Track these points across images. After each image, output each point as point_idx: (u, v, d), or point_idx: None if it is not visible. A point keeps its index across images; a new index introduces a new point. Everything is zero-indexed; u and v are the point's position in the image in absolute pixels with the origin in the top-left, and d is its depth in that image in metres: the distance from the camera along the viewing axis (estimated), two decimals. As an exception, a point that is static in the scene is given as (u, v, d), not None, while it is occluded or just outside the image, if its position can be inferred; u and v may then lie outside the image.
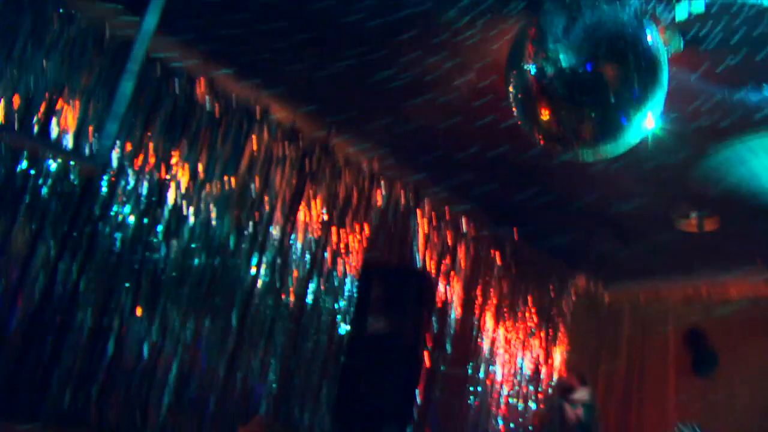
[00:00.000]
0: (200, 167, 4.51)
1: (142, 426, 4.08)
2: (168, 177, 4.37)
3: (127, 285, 4.13)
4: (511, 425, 6.11)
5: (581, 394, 4.15)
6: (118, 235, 4.14)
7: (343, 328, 5.02)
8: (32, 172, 3.86)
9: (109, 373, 4.00)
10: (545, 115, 2.76)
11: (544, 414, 4.28)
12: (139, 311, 4.15)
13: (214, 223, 4.53)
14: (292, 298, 4.81)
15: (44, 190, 3.88)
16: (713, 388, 5.93)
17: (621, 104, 2.66)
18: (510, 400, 6.18)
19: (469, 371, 5.89)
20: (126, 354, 4.07)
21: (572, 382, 4.27)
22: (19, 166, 3.81)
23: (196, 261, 4.43)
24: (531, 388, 6.37)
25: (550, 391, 6.35)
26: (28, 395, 3.73)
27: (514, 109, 2.90)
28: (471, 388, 5.90)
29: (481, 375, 5.98)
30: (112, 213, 4.12)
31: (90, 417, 3.91)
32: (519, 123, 2.95)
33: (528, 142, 3.15)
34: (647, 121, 2.76)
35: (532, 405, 6.31)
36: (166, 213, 4.34)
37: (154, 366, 4.16)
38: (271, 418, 3.50)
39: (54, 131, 3.95)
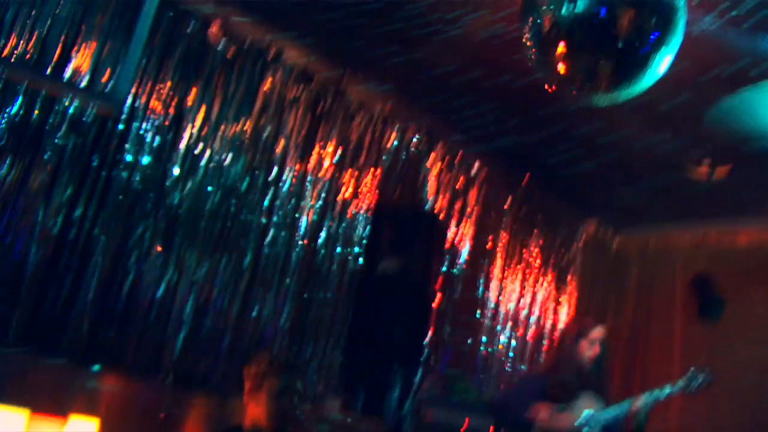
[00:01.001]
0: (214, 109, 4.53)
1: (158, 363, 4.17)
2: (182, 119, 4.40)
3: (142, 225, 4.19)
4: (521, 366, 6.21)
5: (598, 332, 4.19)
6: (133, 176, 4.18)
7: (355, 269, 5.09)
8: (49, 112, 3.89)
9: (125, 311, 4.08)
10: (559, 59, 2.76)
11: (558, 352, 4.30)
12: (154, 251, 4.21)
13: (227, 164, 4.56)
14: (304, 238, 4.87)
15: (61, 131, 3.92)
16: (718, 334, 5.98)
17: (636, 49, 2.66)
18: (518, 342, 6.27)
19: (478, 313, 5.98)
20: (142, 293, 4.15)
21: (589, 321, 4.29)
22: (36, 107, 3.84)
23: (210, 202, 4.47)
24: (538, 330, 6.46)
25: (560, 329, 6.43)
26: (47, 332, 3.82)
27: (528, 52, 2.89)
28: (480, 329, 5.99)
29: (490, 316, 6.06)
30: (127, 154, 4.16)
31: (107, 354, 4.00)
32: (532, 63, 2.94)
33: (542, 85, 3.15)
34: (662, 66, 2.76)
35: (540, 346, 6.41)
36: (180, 154, 4.37)
37: (169, 305, 4.24)
38: (275, 354, 3.59)
39: (69, 72, 3.97)
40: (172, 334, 4.23)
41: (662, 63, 2.75)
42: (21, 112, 3.78)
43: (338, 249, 5.04)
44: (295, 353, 4.73)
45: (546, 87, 3.01)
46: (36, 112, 3.84)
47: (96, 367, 3.91)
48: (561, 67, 2.74)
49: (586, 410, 4.03)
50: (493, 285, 6.09)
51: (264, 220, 4.70)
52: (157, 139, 4.29)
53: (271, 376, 3.12)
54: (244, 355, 4.40)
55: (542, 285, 6.51)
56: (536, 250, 6.48)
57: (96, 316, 3.96)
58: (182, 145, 4.38)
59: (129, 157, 4.16)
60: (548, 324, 6.54)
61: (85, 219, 3.99)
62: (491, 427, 5.18)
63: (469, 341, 5.87)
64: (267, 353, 3.46)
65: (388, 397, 5.14)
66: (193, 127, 4.43)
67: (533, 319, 6.41)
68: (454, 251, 5.77)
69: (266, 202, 4.72)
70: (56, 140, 3.89)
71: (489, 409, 4.68)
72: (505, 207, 6.23)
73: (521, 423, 4.12)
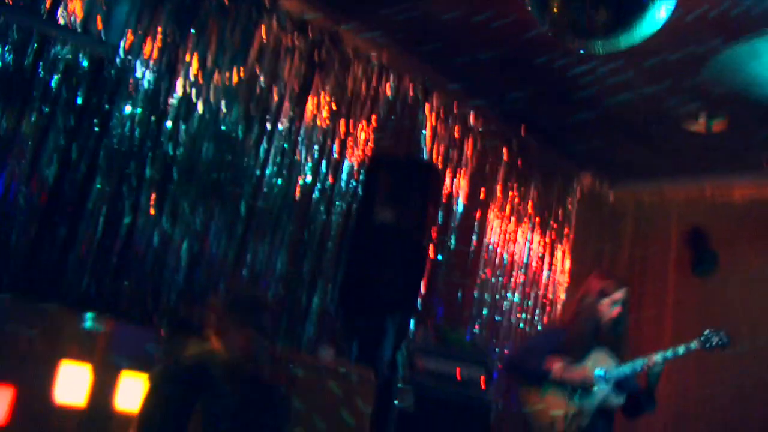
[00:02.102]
0: (209, 57, 4.49)
1: (154, 310, 4.19)
2: (177, 66, 4.35)
3: (137, 173, 4.17)
4: (512, 319, 6.26)
5: (619, 293, 4.19)
6: (128, 123, 4.15)
7: (350, 219, 5.09)
8: (42, 57, 3.84)
9: (120, 258, 4.08)
10: (557, 5, 2.73)
11: (578, 308, 4.27)
12: (149, 198, 4.20)
13: (223, 113, 4.54)
14: (299, 187, 4.87)
15: (54, 77, 3.88)
16: (711, 287, 6.02)
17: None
18: (512, 294, 6.31)
19: (472, 263, 6.00)
20: (137, 240, 4.15)
21: (612, 282, 4.27)
22: (29, 51, 3.80)
23: (205, 150, 4.45)
24: (533, 281, 6.49)
25: (557, 282, 6.47)
26: (45, 277, 3.83)
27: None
28: (474, 280, 6.02)
29: (484, 268, 6.09)
30: (121, 100, 4.13)
31: (104, 301, 4.01)
32: (530, 10, 2.91)
33: (540, 36, 3.13)
34: (662, 13, 2.73)
35: (534, 298, 6.45)
36: (175, 102, 4.34)
37: (164, 252, 4.25)
38: (240, 289, 3.57)
39: (63, 16, 3.92)
40: (168, 281, 4.24)
41: (662, 9, 2.72)
42: (13, 57, 3.74)
43: (333, 199, 5.04)
44: (290, 301, 4.76)
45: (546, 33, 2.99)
46: (29, 57, 3.79)
47: (91, 314, 3.92)
48: (558, 14, 2.72)
49: (600, 366, 4.06)
50: (488, 236, 6.11)
51: (259, 170, 4.68)
52: (152, 86, 4.25)
53: (234, 311, 3.03)
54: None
55: (537, 237, 6.53)
56: (532, 202, 6.48)
57: (91, 263, 3.96)
58: (177, 93, 4.34)
59: (123, 104, 4.13)
60: (543, 276, 6.57)
61: (80, 166, 3.97)
62: (482, 377, 5.25)
63: (463, 292, 5.91)
64: (233, 288, 3.34)
65: (381, 346, 5.17)
66: (187, 74, 4.39)
67: (528, 270, 6.44)
68: (450, 202, 5.77)
69: (261, 152, 4.70)
70: (50, 86, 3.85)
71: (505, 360, 4.72)
72: (501, 159, 6.22)
73: (535, 374, 4.15)
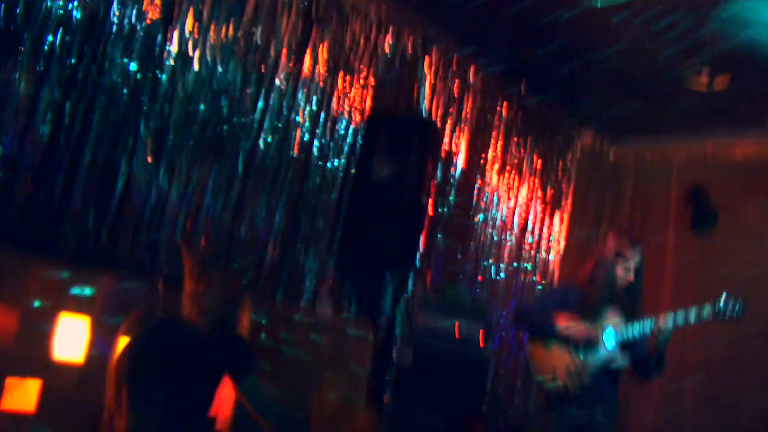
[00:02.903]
0: (205, 12, 4.42)
1: (151, 267, 4.19)
2: (173, 21, 4.30)
3: (133, 129, 4.14)
4: (510, 276, 6.27)
5: (635, 254, 4.16)
6: (123, 79, 4.11)
7: (348, 175, 5.08)
8: (34, 11, 3.79)
9: (117, 213, 4.07)
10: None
11: (593, 268, 4.25)
12: (145, 155, 4.18)
13: (219, 69, 4.49)
14: (297, 144, 4.84)
15: (47, 31, 3.83)
16: (710, 245, 6.01)
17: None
18: (511, 251, 6.31)
19: (471, 220, 6.00)
20: (134, 196, 4.14)
21: (628, 243, 4.23)
22: (20, 4, 3.74)
23: (202, 107, 4.42)
24: (531, 240, 6.49)
25: (556, 240, 6.47)
26: (41, 232, 3.82)
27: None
28: (473, 236, 6.02)
29: (483, 226, 6.08)
30: (116, 55, 4.08)
31: (101, 257, 4.01)
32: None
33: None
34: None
35: (534, 254, 6.45)
36: (171, 57, 4.29)
37: (161, 209, 4.24)
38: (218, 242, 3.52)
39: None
40: (165, 237, 4.23)
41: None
42: (4, 11, 3.69)
43: (331, 155, 5.01)
44: (289, 257, 4.76)
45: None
46: (20, 10, 3.74)
47: (88, 268, 3.93)
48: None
49: (609, 326, 4.07)
50: (487, 192, 6.09)
51: (256, 126, 4.65)
52: (147, 41, 4.20)
53: (209, 268, 2.92)
54: (237, 259, 4.44)
55: (536, 194, 6.51)
56: (531, 159, 6.45)
57: (88, 219, 3.96)
58: (173, 49, 4.29)
59: (118, 59, 4.08)
60: (542, 233, 6.57)
61: (75, 123, 3.94)
62: (480, 333, 5.28)
63: (461, 249, 5.91)
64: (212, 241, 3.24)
65: (380, 301, 5.19)
66: (183, 30, 4.33)
67: (527, 227, 6.43)
68: (449, 158, 5.75)
69: (259, 108, 4.67)
70: (42, 41, 3.81)
71: (515, 312, 4.71)
72: (501, 116, 6.17)
73: (543, 328, 4.17)
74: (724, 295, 3.94)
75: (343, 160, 5.08)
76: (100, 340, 3.90)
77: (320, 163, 4.96)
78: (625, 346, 4.08)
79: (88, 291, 3.93)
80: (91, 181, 3.98)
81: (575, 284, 4.60)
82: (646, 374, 4.23)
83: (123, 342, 2.85)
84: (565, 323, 4.09)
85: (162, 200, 4.24)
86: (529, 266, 6.44)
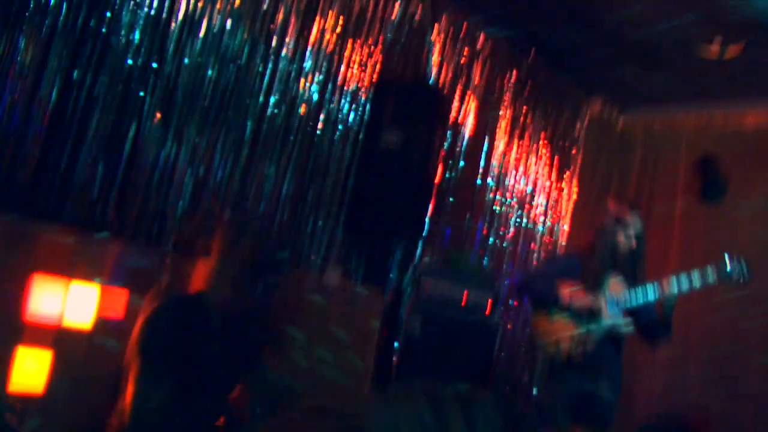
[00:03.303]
0: (212, -23, 4.38)
1: (159, 232, 4.19)
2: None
3: (141, 94, 4.12)
4: (517, 244, 6.26)
5: (636, 221, 4.16)
6: (130, 45, 4.08)
7: (357, 142, 5.05)
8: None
9: (125, 180, 4.06)
10: None
11: (595, 236, 4.25)
12: (153, 121, 4.16)
13: (226, 34, 4.45)
14: (305, 110, 4.81)
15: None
16: (720, 216, 5.99)
17: None
18: (518, 219, 6.30)
19: (479, 188, 5.98)
20: (142, 162, 4.12)
21: (629, 211, 4.22)
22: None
23: (210, 72, 4.39)
24: (540, 209, 6.48)
25: (564, 208, 6.45)
26: (49, 198, 3.81)
27: None
28: (481, 205, 6.01)
29: (491, 194, 6.07)
30: (123, 21, 4.05)
31: (108, 223, 4.01)
32: None
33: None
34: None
35: (542, 223, 6.44)
36: (178, 23, 4.25)
37: (169, 175, 4.23)
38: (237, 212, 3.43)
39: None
40: (173, 203, 4.23)
41: None
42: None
43: (340, 122, 4.99)
44: (297, 224, 4.75)
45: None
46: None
47: (97, 235, 3.93)
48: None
49: (613, 294, 4.07)
50: (495, 161, 6.07)
51: (264, 93, 4.62)
52: (154, 6, 4.16)
53: (229, 237, 2.80)
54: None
55: (545, 163, 6.48)
56: (540, 127, 6.41)
57: (96, 185, 3.95)
58: (180, 14, 4.25)
59: (125, 25, 4.05)
60: (550, 201, 6.55)
61: (82, 88, 3.91)
62: (489, 300, 5.28)
63: (469, 216, 5.90)
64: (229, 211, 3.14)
65: (387, 269, 5.19)
66: (190, -6, 4.29)
67: (535, 196, 6.42)
68: (457, 126, 5.71)
69: (266, 74, 4.63)
70: (47, 6, 3.77)
71: (517, 281, 4.72)
72: (510, 83, 6.13)
73: (546, 296, 4.17)
74: (726, 257, 3.94)
75: (351, 127, 5.05)
76: (109, 307, 3.92)
77: (328, 130, 4.93)
78: (630, 312, 4.08)
79: (97, 257, 3.94)
80: (98, 148, 3.96)
81: (578, 253, 4.60)
82: (653, 340, 4.24)
83: (144, 314, 2.77)
84: (568, 292, 4.09)
85: (169, 167, 4.22)
86: (536, 235, 6.42)
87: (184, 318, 2.72)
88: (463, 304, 5.16)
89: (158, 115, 4.15)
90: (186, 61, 4.27)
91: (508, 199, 6.20)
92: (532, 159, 6.39)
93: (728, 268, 3.95)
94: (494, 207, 6.09)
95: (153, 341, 2.62)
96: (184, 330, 2.67)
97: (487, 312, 5.15)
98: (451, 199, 5.63)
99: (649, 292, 4.01)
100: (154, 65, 4.16)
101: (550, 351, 4.17)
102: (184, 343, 2.65)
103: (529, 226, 6.38)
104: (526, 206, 6.37)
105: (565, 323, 4.11)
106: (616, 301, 4.05)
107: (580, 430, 3.66)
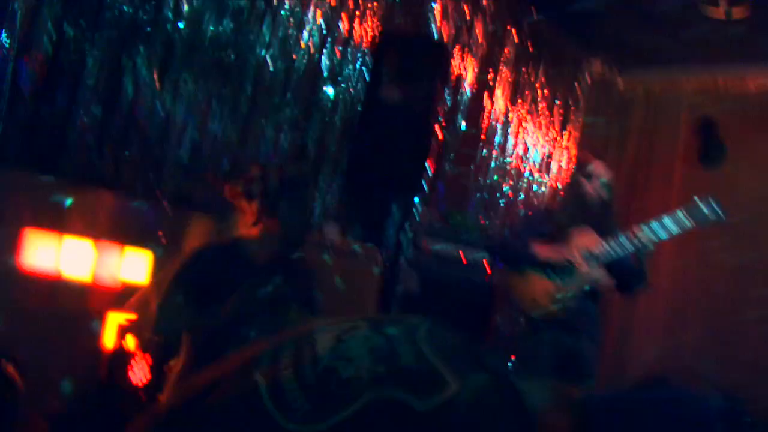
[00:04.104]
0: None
1: (157, 187, 4.15)
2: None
3: (138, 48, 4.04)
4: (517, 204, 6.23)
5: (601, 170, 4.13)
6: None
7: (357, 97, 4.99)
8: None
9: (122, 133, 4.00)
10: None
11: (562, 190, 4.25)
12: (151, 74, 4.08)
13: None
14: (306, 65, 4.74)
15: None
16: (718, 179, 5.96)
17: None
18: (517, 179, 6.26)
19: (479, 146, 5.94)
20: (139, 115, 4.06)
21: (593, 160, 4.21)
22: None
23: (209, 26, 4.31)
24: (539, 167, 6.44)
25: (563, 169, 6.41)
26: (44, 150, 3.76)
27: None
28: (480, 163, 5.97)
29: (491, 152, 6.02)
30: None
31: (105, 175, 3.96)
32: None
33: None
34: None
35: (540, 182, 6.41)
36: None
37: (167, 128, 4.17)
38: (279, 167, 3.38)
39: None
40: (171, 157, 4.18)
41: None
42: None
43: (340, 77, 4.92)
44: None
45: None
46: None
47: (91, 187, 3.88)
48: None
49: (587, 247, 4.04)
50: (495, 119, 6.01)
51: (264, 46, 4.54)
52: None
53: (284, 190, 2.86)
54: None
55: (544, 122, 6.43)
56: (540, 86, 6.35)
57: (92, 138, 3.89)
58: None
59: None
60: (550, 161, 6.51)
61: (79, 40, 3.83)
62: (485, 261, 5.26)
63: (469, 175, 5.86)
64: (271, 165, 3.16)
65: (386, 226, 5.17)
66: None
67: (534, 155, 6.37)
68: (458, 84, 5.65)
69: (266, 27, 4.55)
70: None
71: (490, 244, 4.72)
72: (512, 41, 6.05)
73: (521, 257, 4.15)
74: (696, 200, 3.93)
75: (351, 82, 4.98)
76: (105, 261, 3.89)
77: (328, 83, 4.87)
78: (605, 264, 4.06)
79: (92, 211, 3.90)
80: (94, 100, 3.89)
81: (547, 208, 4.58)
82: (629, 290, 4.23)
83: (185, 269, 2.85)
84: (543, 250, 4.07)
85: (168, 120, 4.16)
86: (535, 195, 6.39)
87: (219, 260, 2.84)
88: (461, 262, 5.15)
89: (151, 72, 4.07)
90: (185, 13, 4.18)
91: (508, 159, 6.15)
92: (532, 118, 6.33)
93: (702, 209, 3.93)
94: (493, 165, 6.04)
95: (187, 278, 2.76)
96: (218, 270, 2.79)
97: (487, 270, 5.14)
98: (450, 158, 5.57)
99: (624, 243, 3.98)
100: (151, 16, 4.07)
101: (528, 309, 4.15)
102: (216, 284, 2.75)
103: (528, 184, 6.34)
104: (526, 166, 6.32)
105: (542, 281, 4.08)
106: (592, 254, 4.03)
107: (563, 387, 3.64)
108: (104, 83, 3.92)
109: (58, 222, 3.74)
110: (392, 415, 1.16)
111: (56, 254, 3.72)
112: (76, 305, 3.82)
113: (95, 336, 3.89)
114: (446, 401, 1.17)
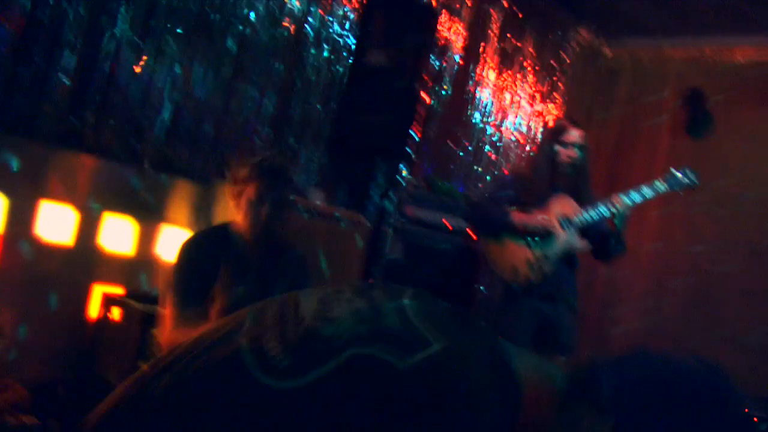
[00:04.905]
0: None
1: (137, 149, 4.08)
2: None
3: (120, 7, 3.94)
4: (505, 168, 6.20)
5: (574, 135, 4.09)
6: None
7: (342, 60, 4.92)
8: None
9: (101, 95, 3.92)
10: None
11: (536, 154, 4.21)
12: (132, 33, 3.99)
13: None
14: (291, 27, 4.65)
15: None
16: (704, 149, 5.96)
17: None
18: (503, 146, 6.22)
19: (465, 112, 5.89)
20: (120, 78, 3.97)
21: (567, 124, 4.18)
22: None
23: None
24: (524, 134, 6.40)
25: (540, 135, 6.38)
26: (23, 112, 3.68)
27: None
28: (466, 129, 5.92)
29: (477, 118, 5.98)
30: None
31: (86, 139, 3.89)
32: None
33: None
34: None
35: (526, 149, 6.38)
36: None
37: (148, 91, 4.09)
38: (265, 155, 3.40)
39: None
40: (152, 120, 4.10)
41: None
42: None
43: (326, 40, 4.84)
44: (279, 144, 4.65)
45: None
46: None
47: (70, 150, 3.81)
48: None
49: (563, 212, 4.02)
50: (482, 85, 5.96)
51: (249, 7, 4.45)
52: None
53: (256, 182, 2.91)
54: (225, 145, 4.34)
55: (530, 90, 6.38)
56: (527, 54, 6.29)
57: (71, 99, 3.81)
58: None
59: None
60: (536, 129, 6.47)
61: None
62: (468, 228, 5.24)
63: (454, 141, 5.82)
64: (259, 154, 3.26)
65: (370, 193, 5.13)
66: None
67: (520, 122, 6.33)
68: (445, 49, 5.58)
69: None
70: None
71: (466, 211, 4.69)
72: (500, 6, 5.97)
73: (496, 223, 4.12)
74: (673, 169, 3.95)
75: (337, 46, 4.90)
76: (85, 225, 3.84)
77: (314, 47, 4.79)
78: (583, 230, 4.05)
79: (72, 175, 3.84)
80: (74, 59, 3.80)
81: (519, 173, 4.54)
82: (606, 256, 4.22)
83: (180, 256, 2.94)
84: (518, 216, 4.05)
85: (149, 82, 4.08)
86: (519, 160, 6.36)
87: (213, 242, 2.97)
88: (446, 229, 5.12)
89: (133, 33, 3.98)
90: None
91: (493, 124, 6.11)
92: (519, 85, 6.28)
93: (677, 177, 3.95)
94: (479, 133, 6.00)
95: (185, 262, 2.88)
96: (213, 252, 2.92)
97: (472, 237, 5.11)
98: (435, 123, 5.52)
99: (601, 209, 3.97)
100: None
101: (506, 277, 4.13)
102: (213, 265, 2.89)
103: (513, 151, 6.31)
104: (512, 134, 6.29)
105: (518, 248, 4.06)
106: (569, 220, 4.01)
107: (541, 355, 3.62)
108: (83, 43, 3.83)
109: (36, 187, 3.69)
110: (371, 371, 1.15)
111: (36, 219, 3.68)
112: (58, 271, 3.79)
113: (78, 304, 3.87)
114: (427, 359, 1.15)
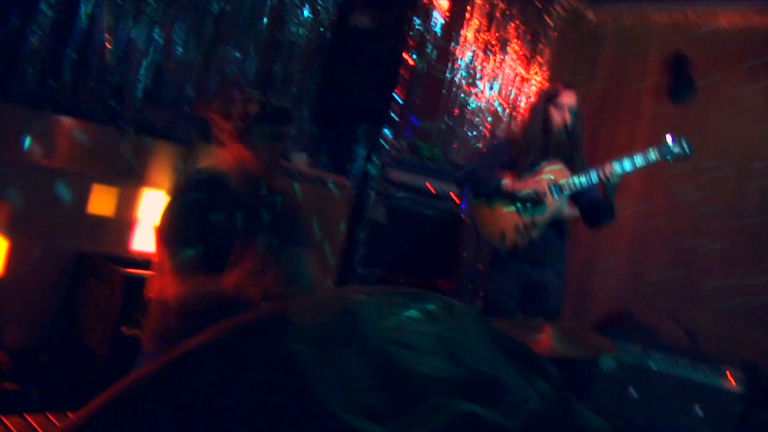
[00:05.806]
0: None
1: (119, 113, 4.01)
2: None
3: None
4: (486, 136, 6.18)
5: (568, 97, 4.05)
6: None
7: (326, 23, 4.85)
8: None
9: (79, 55, 3.84)
10: None
11: (527, 118, 4.16)
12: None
13: None
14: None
15: None
16: (687, 114, 5.96)
17: None
18: (487, 111, 6.19)
19: (449, 75, 5.84)
20: (98, 38, 3.89)
21: (559, 86, 4.12)
22: None
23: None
24: (509, 98, 6.37)
25: (522, 100, 6.36)
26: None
27: None
28: (449, 93, 5.88)
29: (459, 83, 5.93)
30: None
31: (63, 101, 3.82)
32: None
33: None
34: None
35: (508, 113, 6.35)
36: None
37: (128, 53, 4.01)
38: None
39: None
40: (132, 81, 4.03)
41: None
42: None
43: (308, 1, 4.77)
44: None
45: None
46: None
47: (48, 113, 3.74)
48: None
49: (554, 177, 3.99)
50: (466, 50, 5.90)
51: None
52: None
53: (261, 120, 2.77)
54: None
55: (513, 54, 6.33)
56: (512, 16, 6.23)
57: (48, 59, 3.73)
58: None
59: None
60: (520, 93, 6.44)
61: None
62: (452, 194, 5.23)
63: (438, 106, 5.78)
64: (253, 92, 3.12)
65: (354, 156, 5.10)
66: None
67: (503, 86, 6.29)
68: (429, 12, 5.51)
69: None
70: None
71: (456, 175, 4.68)
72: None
73: (486, 187, 4.10)
74: (666, 137, 3.90)
75: (320, 7, 4.83)
76: (66, 188, 3.79)
77: (297, 7, 4.71)
78: (573, 196, 4.03)
79: (52, 137, 3.78)
80: (50, 17, 3.72)
81: (511, 137, 4.50)
82: (595, 223, 4.20)
83: (170, 201, 2.83)
84: (508, 180, 4.03)
85: (129, 42, 4.00)
86: (504, 124, 6.34)
87: (203, 187, 2.84)
88: (430, 192, 5.11)
89: None
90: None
91: (476, 88, 6.06)
92: (502, 49, 6.23)
93: (671, 146, 3.90)
94: (463, 97, 5.96)
95: (178, 208, 2.78)
96: (204, 196, 2.80)
97: (456, 201, 5.11)
98: (419, 87, 5.47)
99: (592, 175, 3.94)
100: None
101: (494, 242, 4.12)
102: (205, 212, 2.78)
103: (496, 115, 6.27)
104: (495, 98, 6.25)
105: (508, 212, 4.04)
106: (559, 185, 3.99)
107: (528, 320, 3.62)
108: (60, 2, 3.74)
109: (15, 150, 3.63)
110: None
111: (19, 182, 3.62)
112: (38, 234, 3.74)
113: (58, 267, 3.83)
114: (531, 417, 1.11)
